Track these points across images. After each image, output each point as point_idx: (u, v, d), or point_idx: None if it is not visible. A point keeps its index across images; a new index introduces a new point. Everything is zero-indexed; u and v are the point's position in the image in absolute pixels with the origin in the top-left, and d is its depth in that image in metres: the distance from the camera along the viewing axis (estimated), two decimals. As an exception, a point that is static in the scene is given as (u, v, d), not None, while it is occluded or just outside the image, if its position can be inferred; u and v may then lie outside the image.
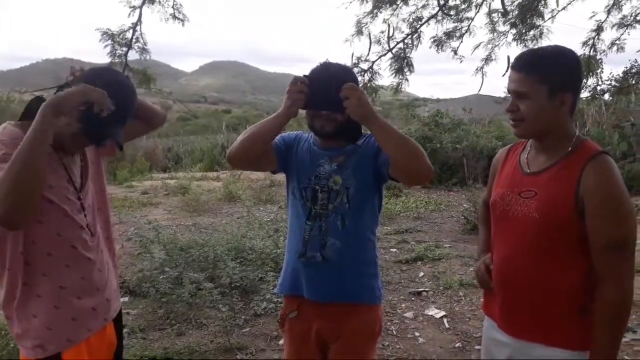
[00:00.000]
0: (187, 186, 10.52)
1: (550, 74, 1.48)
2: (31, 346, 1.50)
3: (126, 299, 4.42)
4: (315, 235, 1.85)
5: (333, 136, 1.87)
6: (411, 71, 5.44)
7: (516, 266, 1.57)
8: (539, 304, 1.55)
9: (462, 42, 5.60)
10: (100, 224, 1.72)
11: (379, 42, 5.32)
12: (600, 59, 5.50)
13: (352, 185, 1.84)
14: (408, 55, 5.38)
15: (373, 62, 5.38)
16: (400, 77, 5.43)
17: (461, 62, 5.74)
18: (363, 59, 5.33)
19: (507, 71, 5.55)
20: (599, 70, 5.64)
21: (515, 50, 5.68)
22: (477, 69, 5.74)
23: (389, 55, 5.34)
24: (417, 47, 5.43)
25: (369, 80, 5.44)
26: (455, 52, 5.62)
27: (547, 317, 1.53)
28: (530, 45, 5.41)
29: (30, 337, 1.51)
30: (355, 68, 5.27)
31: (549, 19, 5.37)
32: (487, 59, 5.69)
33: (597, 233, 1.43)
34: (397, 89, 5.64)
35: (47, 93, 1.66)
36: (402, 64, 5.37)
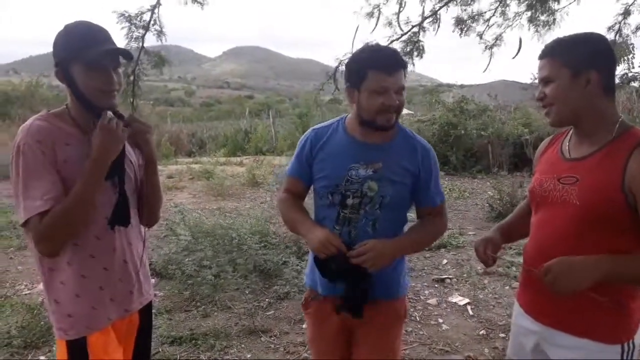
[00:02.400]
0: (211, 171, 10.63)
1: (572, 55, 1.47)
2: (56, 328, 1.57)
3: (153, 280, 4.51)
4: (343, 241, 1.73)
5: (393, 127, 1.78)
6: (421, 56, 5.29)
7: (553, 253, 1.49)
8: (576, 294, 1.45)
9: (488, 26, 5.45)
10: (134, 207, 1.70)
11: (390, 24, 5.17)
12: (632, 44, 5.32)
13: (388, 195, 1.75)
14: (420, 39, 5.23)
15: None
16: (408, 60, 5.30)
17: (486, 47, 5.59)
18: (372, 42, 5.22)
19: (517, 53, 5.44)
20: (630, 56, 5.46)
21: (528, 34, 5.48)
22: (485, 47, 5.56)
23: (401, 39, 5.19)
24: (436, 30, 5.27)
25: None
26: (481, 37, 5.47)
27: (580, 306, 1.49)
28: (542, 31, 5.28)
29: (55, 320, 1.57)
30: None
31: (567, 5, 5.20)
32: (498, 39, 5.52)
33: None
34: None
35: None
36: (412, 47, 5.23)
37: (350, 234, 1.77)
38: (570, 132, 1.64)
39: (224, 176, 10.11)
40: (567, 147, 1.61)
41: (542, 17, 5.25)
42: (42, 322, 3.39)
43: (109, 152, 1.51)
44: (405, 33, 5.09)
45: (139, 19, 4.27)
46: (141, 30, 4.27)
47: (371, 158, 1.76)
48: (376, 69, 1.67)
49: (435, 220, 1.88)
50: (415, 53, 5.23)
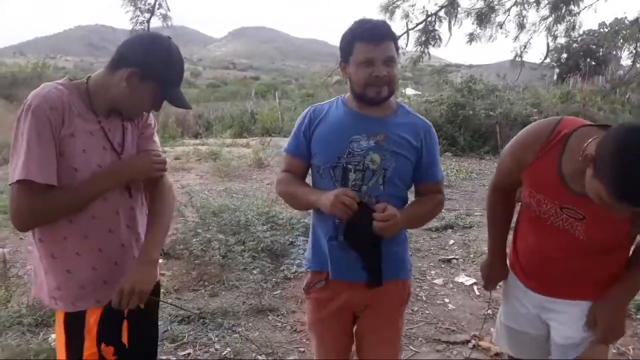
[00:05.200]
0: (218, 152, 10.62)
1: None
2: (47, 297, 1.60)
3: (161, 260, 4.55)
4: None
5: (386, 100, 1.74)
6: (437, 44, 5.26)
7: (555, 263, 1.63)
8: (577, 282, 1.66)
9: (508, 15, 5.38)
10: (140, 190, 1.71)
11: (407, 16, 5.13)
12: None
13: (390, 168, 1.71)
14: (436, 28, 5.19)
15: (399, 37, 5.23)
16: (422, 49, 5.27)
17: (506, 36, 5.54)
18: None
19: (545, 58, 5.38)
20: None
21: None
22: (515, 56, 5.55)
23: (416, 28, 5.15)
24: (454, 20, 5.21)
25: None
26: (501, 27, 5.41)
27: (582, 286, 1.65)
28: (562, 35, 5.23)
29: (45, 291, 1.60)
30: None
31: (592, 4, 5.12)
32: (526, 46, 5.48)
33: None
34: (416, 62, 5.50)
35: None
36: (428, 36, 5.19)
37: None
38: (566, 144, 1.48)
39: (230, 157, 10.10)
40: (567, 171, 1.48)
41: (562, 26, 5.20)
42: (52, 301, 3.43)
43: (133, 178, 1.63)
44: (421, 22, 5.05)
45: (143, 2, 4.22)
46: (146, 14, 4.23)
47: (373, 130, 1.73)
48: (362, 41, 1.66)
49: (437, 197, 1.87)
50: (432, 42, 5.20)
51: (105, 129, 1.58)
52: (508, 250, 1.89)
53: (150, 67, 1.51)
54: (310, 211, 1.91)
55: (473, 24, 5.36)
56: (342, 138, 1.73)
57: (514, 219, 1.86)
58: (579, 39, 28.29)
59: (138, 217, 1.69)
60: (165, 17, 4.25)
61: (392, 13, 5.01)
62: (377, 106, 1.74)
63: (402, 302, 1.92)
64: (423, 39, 5.14)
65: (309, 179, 1.90)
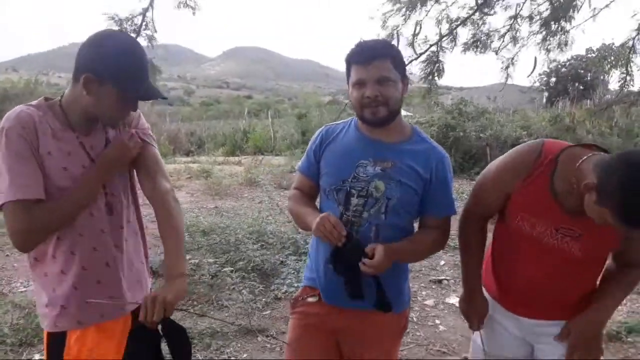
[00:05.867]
0: (210, 170, 10.59)
1: None
2: (40, 316, 1.56)
3: (150, 279, 4.49)
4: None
5: (388, 122, 1.67)
6: (440, 76, 5.32)
7: (544, 287, 1.63)
8: (563, 305, 1.67)
9: (503, 41, 5.47)
10: (128, 205, 1.66)
11: (410, 45, 5.19)
12: None
13: (395, 197, 1.64)
14: (440, 59, 5.25)
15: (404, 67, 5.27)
16: (430, 81, 5.34)
17: (504, 65, 5.62)
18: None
19: (532, 72, 5.47)
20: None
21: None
22: (501, 69, 5.64)
23: (420, 59, 5.22)
24: (452, 49, 5.29)
25: None
26: (497, 53, 5.49)
27: (568, 308, 1.66)
28: (555, 51, 5.33)
29: (39, 309, 1.56)
30: None
31: (580, 24, 5.23)
32: (514, 59, 5.58)
33: None
34: (425, 95, 5.55)
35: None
36: (432, 68, 5.25)
37: None
38: (557, 168, 1.49)
39: (222, 175, 10.08)
40: (561, 190, 1.49)
41: (554, 41, 5.29)
42: (36, 320, 3.37)
43: (118, 167, 1.57)
44: (423, 52, 5.10)
45: (129, 22, 4.17)
46: (132, 35, 4.20)
47: (381, 156, 1.67)
48: (355, 62, 1.65)
49: (436, 234, 1.75)
50: (436, 74, 5.26)
51: (86, 147, 1.53)
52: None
53: (103, 67, 1.42)
54: None
55: (469, 50, 5.44)
56: (349, 161, 1.69)
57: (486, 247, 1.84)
58: (567, 63, 28.86)
59: (129, 238, 1.64)
60: (150, 39, 4.19)
61: (391, 38, 5.07)
62: (380, 128, 1.68)
63: (397, 335, 1.85)
64: (428, 70, 5.18)
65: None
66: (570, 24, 5.22)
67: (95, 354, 1.52)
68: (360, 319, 1.73)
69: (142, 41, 4.15)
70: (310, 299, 1.80)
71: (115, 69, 1.43)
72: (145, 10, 4.13)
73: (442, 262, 5.23)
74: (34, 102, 1.54)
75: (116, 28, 4.03)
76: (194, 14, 4.52)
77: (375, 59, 1.61)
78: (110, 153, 1.55)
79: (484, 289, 1.81)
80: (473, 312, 1.83)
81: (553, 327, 1.67)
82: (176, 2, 4.42)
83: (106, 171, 1.54)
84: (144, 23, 4.13)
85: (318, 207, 1.81)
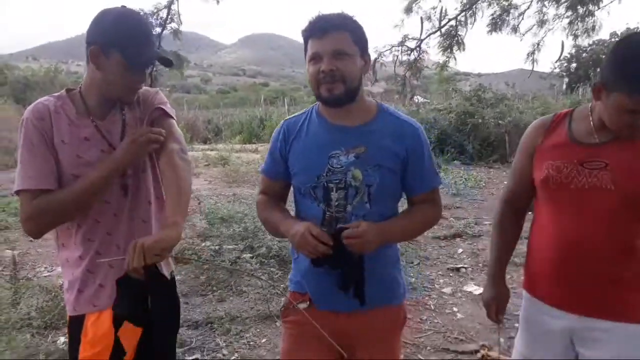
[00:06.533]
0: (227, 157, 10.69)
1: None
2: (68, 306, 1.60)
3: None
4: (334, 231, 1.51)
5: (346, 101, 1.54)
6: (461, 50, 5.26)
7: (586, 242, 1.49)
8: (613, 279, 1.48)
9: (522, 19, 5.38)
10: (146, 187, 1.65)
11: (429, 18, 5.14)
12: None
13: (375, 183, 1.54)
14: (459, 33, 5.19)
15: (421, 40, 5.23)
16: (448, 54, 5.28)
17: (521, 40, 5.54)
18: (410, 37, 5.18)
19: (560, 57, 5.38)
20: None
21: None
22: (527, 55, 5.56)
23: (438, 33, 5.18)
24: (472, 24, 5.23)
25: (415, 60, 5.30)
26: (515, 30, 5.40)
27: (621, 292, 1.48)
28: (583, 36, 5.22)
29: (68, 295, 1.61)
30: (401, 46, 5.12)
31: (610, 3, 5.10)
32: (539, 44, 5.48)
33: None
34: (442, 67, 5.50)
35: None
36: (451, 41, 5.20)
37: None
38: (571, 117, 1.59)
39: (239, 163, 10.16)
40: (579, 133, 1.54)
41: (581, 25, 5.19)
42: (61, 304, 3.46)
43: (129, 163, 1.55)
44: (442, 26, 5.05)
45: (155, 16, 4.20)
46: (158, 29, 4.21)
47: (352, 142, 1.55)
48: (311, 37, 1.53)
49: (426, 208, 1.66)
50: (456, 47, 5.20)
51: (102, 130, 1.56)
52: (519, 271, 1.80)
53: (103, 37, 1.46)
54: None
55: (488, 26, 5.37)
56: (319, 155, 1.57)
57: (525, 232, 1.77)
58: (589, 48, 28.20)
59: (147, 219, 1.65)
60: (176, 32, 4.20)
61: (409, 12, 5.02)
62: (339, 108, 1.56)
63: (397, 329, 1.73)
64: (447, 43, 5.12)
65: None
66: (598, 7, 5.09)
67: (109, 338, 1.51)
68: (356, 320, 1.62)
69: (168, 34, 4.17)
70: (301, 305, 1.65)
71: (115, 36, 1.46)
72: (170, 2, 4.14)
73: (460, 250, 5.21)
74: (56, 93, 1.59)
75: None
76: (218, 3, 4.51)
77: (330, 31, 1.49)
78: (121, 147, 1.53)
79: (524, 292, 1.73)
80: (492, 300, 1.79)
81: (601, 330, 1.50)
82: None
83: (110, 165, 1.51)
84: (169, 16, 4.15)
85: (294, 208, 1.70)
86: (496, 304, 1.79)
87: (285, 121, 1.72)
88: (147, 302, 1.45)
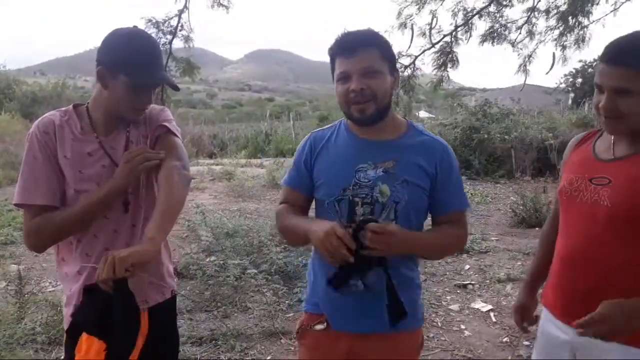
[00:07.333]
0: (232, 172, 10.70)
1: None
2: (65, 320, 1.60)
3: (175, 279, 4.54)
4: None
5: (378, 119, 1.52)
6: (455, 66, 5.27)
7: (585, 254, 1.47)
8: (612, 293, 1.39)
9: (520, 33, 5.41)
10: (147, 202, 1.64)
11: (424, 34, 5.16)
12: None
13: (403, 200, 1.50)
14: (454, 49, 5.20)
15: (416, 57, 5.23)
16: (443, 71, 5.29)
17: (519, 55, 5.55)
18: (404, 53, 5.19)
19: (551, 69, 5.37)
20: None
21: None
22: (519, 67, 5.56)
23: (432, 49, 5.19)
24: (467, 40, 5.25)
25: (409, 77, 5.29)
26: (513, 45, 5.42)
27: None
28: (572, 48, 5.23)
29: (66, 310, 1.61)
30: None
31: (600, 19, 5.12)
32: (531, 56, 5.49)
33: None
34: (437, 85, 5.50)
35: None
36: (446, 58, 5.21)
37: None
38: (602, 133, 1.59)
39: (244, 177, 10.16)
40: (600, 148, 1.56)
41: (571, 37, 5.21)
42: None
43: (128, 183, 1.54)
44: (437, 42, 5.07)
45: (166, 24, 4.28)
46: (169, 36, 4.28)
47: (380, 156, 1.52)
48: (339, 55, 1.50)
49: (453, 228, 1.60)
50: (450, 64, 5.21)
51: (105, 147, 1.57)
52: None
53: (112, 58, 1.49)
54: None
55: (486, 40, 5.39)
56: (346, 168, 1.53)
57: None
58: (594, 63, 28.22)
59: (141, 238, 1.62)
60: (187, 39, 4.27)
61: (404, 27, 5.04)
62: (370, 127, 1.54)
63: (416, 353, 1.70)
64: (441, 61, 5.13)
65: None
66: (588, 19, 5.11)
67: (102, 354, 1.46)
68: (375, 342, 1.58)
69: (179, 42, 4.25)
70: (317, 327, 1.62)
71: (122, 58, 1.48)
72: (181, 11, 4.22)
73: (467, 267, 5.16)
74: (63, 108, 1.61)
75: (154, 30, 4.14)
76: (227, 12, 4.60)
77: (359, 48, 1.46)
78: (115, 177, 1.52)
79: (541, 302, 1.72)
80: (517, 308, 1.83)
81: (600, 351, 1.44)
82: (210, 2, 4.50)
83: (107, 189, 1.51)
84: (179, 25, 4.23)
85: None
86: (520, 312, 1.82)
87: (312, 133, 1.70)
88: (111, 313, 1.39)
